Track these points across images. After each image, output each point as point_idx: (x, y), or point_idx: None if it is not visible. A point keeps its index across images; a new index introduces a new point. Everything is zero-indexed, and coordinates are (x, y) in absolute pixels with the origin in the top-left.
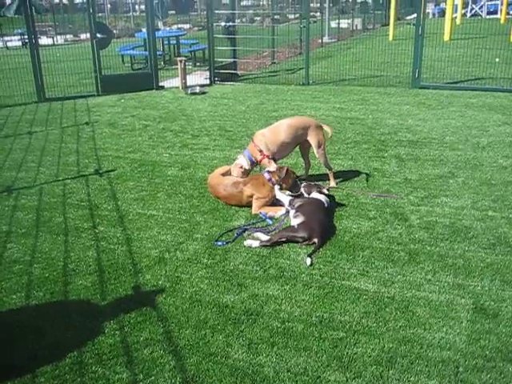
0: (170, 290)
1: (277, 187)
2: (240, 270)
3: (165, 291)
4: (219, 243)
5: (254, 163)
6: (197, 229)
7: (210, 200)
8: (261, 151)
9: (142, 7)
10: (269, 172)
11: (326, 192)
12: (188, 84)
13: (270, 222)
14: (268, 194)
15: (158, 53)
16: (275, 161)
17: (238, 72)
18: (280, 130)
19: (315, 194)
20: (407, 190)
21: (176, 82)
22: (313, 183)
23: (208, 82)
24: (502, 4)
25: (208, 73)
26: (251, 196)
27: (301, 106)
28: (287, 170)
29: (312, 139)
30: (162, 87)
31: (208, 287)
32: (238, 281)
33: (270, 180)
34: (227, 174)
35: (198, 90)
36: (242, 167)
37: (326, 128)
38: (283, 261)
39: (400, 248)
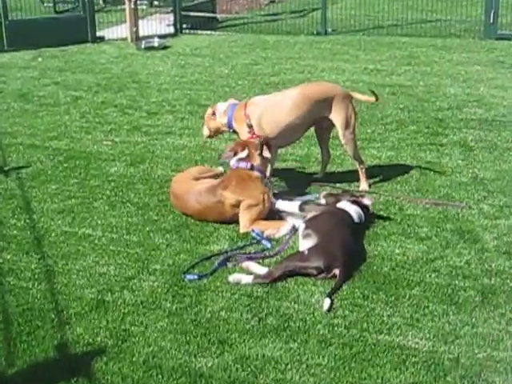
0: (115, 351)
1: (278, 201)
2: (222, 320)
3: (106, 352)
4: (190, 277)
5: (232, 130)
6: (155, 256)
7: (176, 212)
8: (251, 127)
9: None
10: (243, 161)
11: (369, 203)
12: (141, 34)
13: (269, 245)
14: (262, 198)
15: None
16: (270, 148)
17: (218, 15)
18: (287, 102)
19: (343, 204)
20: (478, 196)
21: (123, 30)
22: (337, 192)
23: (172, 30)
24: None
25: (172, 17)
26: (237, 205)
27: (314, 66)
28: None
29: (337, 116)
30: (102, 39)
31: (173, 346)
32: (218, 336)
33: (262, 176)
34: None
35: (156, 43)
36: (212, 114)
37: (359, 97)
38: (288, 304)
39: (468, 284)
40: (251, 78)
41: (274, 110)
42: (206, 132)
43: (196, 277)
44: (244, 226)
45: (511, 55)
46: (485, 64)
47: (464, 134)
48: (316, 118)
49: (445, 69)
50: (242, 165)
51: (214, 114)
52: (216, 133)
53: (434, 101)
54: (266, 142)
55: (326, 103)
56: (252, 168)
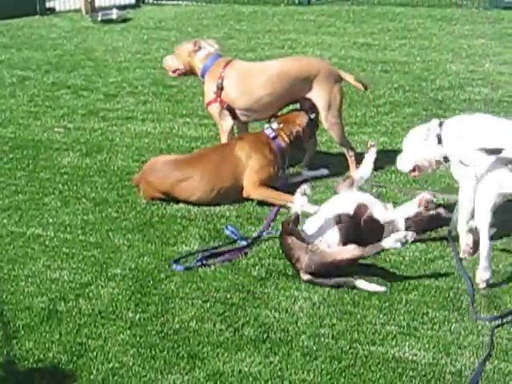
0: (70, 368)
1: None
2: (192, 331)
3: (59, 370)
4: (178, 267)
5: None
6: (115, 259)
7: (138, 209)
8: (219, 90)
9: None
10: (272, 129)
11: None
12: (97, 5)
13: (244, 243)
14: (274, 161)
15: None
16: (235, 118)
17: None
18: (262, 75)
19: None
20: None
21: (76, 1)
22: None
23: (133, 0)
24: None
25: None
26: (246, 162)
27: (296, 41)
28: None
29: (318, 97)
30: (52, 11)
31: (136, 361)
32: (188, 349)
33: (274, 140)
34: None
35: (114, 15)
36: (193, 50)
37: (349, 79)
38: (267, 312)
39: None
40: (224, 54)
41: (247, 79)
42: (172, 64)
43: (182, 268)
44: (249, 187)
45: None
46: (490, 37)
47: None
48: (293, 98)
49: (445, 43)
50: (268, 131)
51: (198, 49)
52: (184, 72)
53: (434, 79)
54: (230, 110)
55: (306, 82)
56: (274, 138)
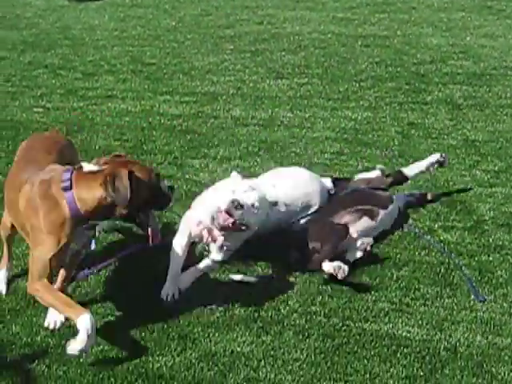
0: (58, 352)
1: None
2: (182, 312)
3: (48, 354)
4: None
5: None
6: None
7: None
8: None
9: None
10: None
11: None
12: None
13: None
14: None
15: None
16: None
17: None
18: None
19: None
20: (470, 160)
21: None
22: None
23: None
24: None
25: None
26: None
27: (275, 16)
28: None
29: None
30: None
31: (126, 344)
32: (178, 330)
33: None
34: None
35: None
36: None
37: None
38: (257, 291)
39: (463, 262)
40: (202, 31)
41: None
42: None
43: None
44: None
45: None
46: (470, 10)
47: (450, 91)
48: None
49: (425, 16)
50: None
51: None
52: None
53: (415, 53)
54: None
55: None
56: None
